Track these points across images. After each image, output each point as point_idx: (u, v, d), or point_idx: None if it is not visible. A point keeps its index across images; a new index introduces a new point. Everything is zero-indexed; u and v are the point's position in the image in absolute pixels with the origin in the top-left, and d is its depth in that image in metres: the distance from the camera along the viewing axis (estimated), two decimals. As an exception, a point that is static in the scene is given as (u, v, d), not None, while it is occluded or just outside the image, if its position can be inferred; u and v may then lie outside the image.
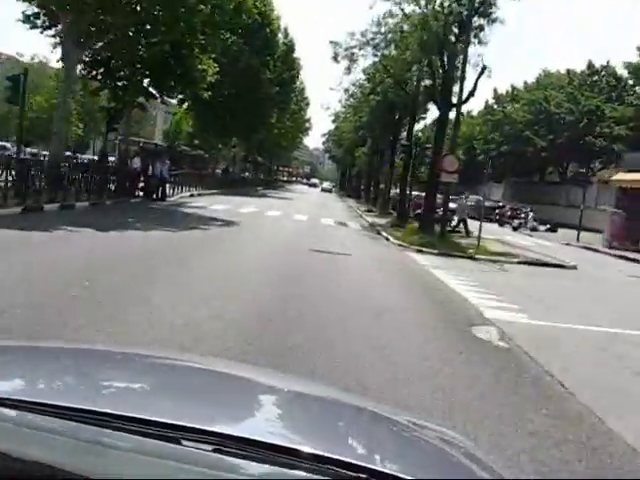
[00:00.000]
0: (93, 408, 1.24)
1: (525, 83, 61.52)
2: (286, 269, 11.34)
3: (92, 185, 22.84)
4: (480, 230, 19.64)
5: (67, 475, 1.06)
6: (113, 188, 25.48)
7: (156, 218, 18.59)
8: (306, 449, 1.22)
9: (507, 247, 22.21)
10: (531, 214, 39.34)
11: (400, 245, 19.66)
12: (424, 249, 18.64)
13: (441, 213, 25.64)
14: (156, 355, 2.28)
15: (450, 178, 20.23)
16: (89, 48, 27.06)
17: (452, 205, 36.44)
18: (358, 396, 3.08)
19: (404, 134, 43.03)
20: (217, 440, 1.17)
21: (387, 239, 21.56)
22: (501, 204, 44.85)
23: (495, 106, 63.49)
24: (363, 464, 1.18)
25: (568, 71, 52.30)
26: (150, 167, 28.30)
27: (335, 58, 30.20)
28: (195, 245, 13.22)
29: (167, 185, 30.08)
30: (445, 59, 22.31)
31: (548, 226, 39.06)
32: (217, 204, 28.97)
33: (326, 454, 1.19)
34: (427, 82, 24.78)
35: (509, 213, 42.01)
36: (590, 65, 51.01)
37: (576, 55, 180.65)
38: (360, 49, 29.41)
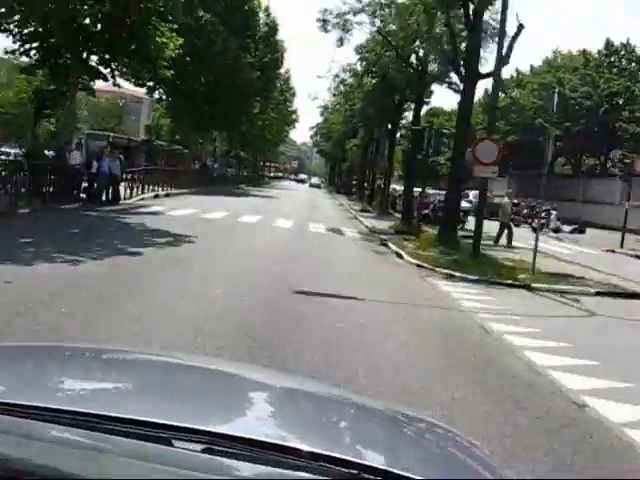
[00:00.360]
0: (80, 409, 1.21)
1: (532, 67, 56.13)
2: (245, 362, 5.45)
3: (13, 188, 17.35)
4: (536, 245, 14.17)
5: (54, 478, 1.04)
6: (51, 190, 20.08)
7: (73, 236, 13.01)
8: (298, 446, 1.19)
9: (558, 263, 16.75)
10: (554, 213, 33.79)
11: (419, 266, 14.13)
12: (455, 273, 13.15)
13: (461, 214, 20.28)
14: (145, 354, 2.26)
15: (487, 172, 14.72)
16: (14, 16, 21.57)
17: (465, 204, 31.04)
18: (350, 392, 2.64)
19: (402, 122, 37.64)
20: (208, 439, 1.15)
21: (399, 255, 15.99)
22: (516, 201, 39.35)
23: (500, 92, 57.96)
24: (356, 460, 1.17)
25: (584, 51, 46.79)
26: (95, 163, 22.61)
27: (324, 26, 24.70)
28: (77, 301, 7.30)
29: (121, 184, 24.45)
30: (471, 14, 16.78)
31: (574, 227, 33.63)
32: (182, 208, 23.40)
33: (319, 451, 1.17)
34: (445, 48, 19.13)
35: (525, 211, 36.51)
36: (608, 44, 45.57)
37: (584, 37, 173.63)
38: (355, 14, 23.91)
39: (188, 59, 44.78)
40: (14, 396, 1.28)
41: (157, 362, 1.96)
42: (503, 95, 57.08)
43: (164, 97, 47.46)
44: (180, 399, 1.51)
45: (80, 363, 1.81)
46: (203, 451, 1.12)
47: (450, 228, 17.26)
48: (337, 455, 1.16)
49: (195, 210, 22.95)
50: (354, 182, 63.46)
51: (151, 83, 46.11)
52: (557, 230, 32.63)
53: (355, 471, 1.12)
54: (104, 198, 23.29)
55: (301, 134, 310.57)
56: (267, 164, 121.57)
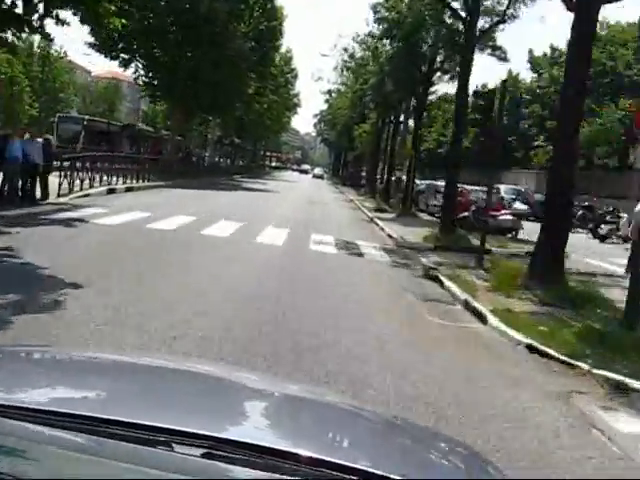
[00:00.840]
0: (80, 413, 1.20)
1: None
2: None
3: None
4: None
5: None
6: None
7: None
8: (298, 452, 1.18)
9: None
10: (625, 216, 26.38)
11: (533, 349, 6.96)
12: (627, 380, 5.97)
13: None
14: (146, 359, 2.22)
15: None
16: None
17: (521, 206, 23.84)
18: (349, 398, 2.51)
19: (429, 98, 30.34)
20: (208, 444, 1.14)
21: (473, 311, 8.77)
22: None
23: (531, 72, 50.62)
24: (355, 466, 1.16)
25: (640, 21, 39.33)
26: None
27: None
28: None
29: (48, 175, 17.32)
30: None
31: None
32: (130, 211, 16.40)
33: (318, 457, 1.16)
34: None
35: (581, 213, 29.03)
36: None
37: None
38: None
39: (172, 28, 37.93)
40: (12, 399, 1.26)
41: (158, 367, 1.90)
42: (536, 75, 49.85)
43: (142, 72, 40.09)
44: (180, 404, 1.48)
45: (81, 366, 1.75)
46: (203, 456, 1.11)
47: (553, 254, 10.06)
48: (337, 461, 1.15)
49: (146, 214, 15.87)
50: (363, 173, 55.98)
51: (126, 56, 39.14)
52: (628, 239, 25.41)
53: (355, 477, 1.11)
54: (20, 195, 16.35)
55: (305, 123, 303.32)
56: (268, 153, 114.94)
